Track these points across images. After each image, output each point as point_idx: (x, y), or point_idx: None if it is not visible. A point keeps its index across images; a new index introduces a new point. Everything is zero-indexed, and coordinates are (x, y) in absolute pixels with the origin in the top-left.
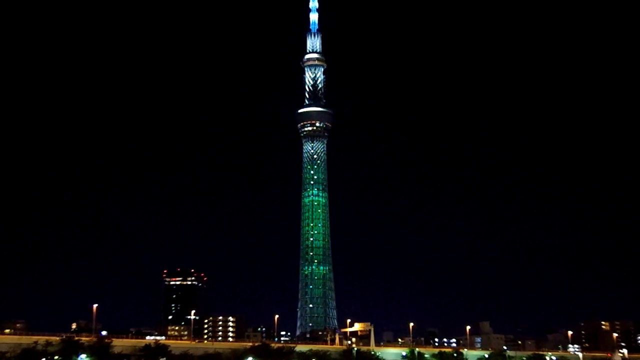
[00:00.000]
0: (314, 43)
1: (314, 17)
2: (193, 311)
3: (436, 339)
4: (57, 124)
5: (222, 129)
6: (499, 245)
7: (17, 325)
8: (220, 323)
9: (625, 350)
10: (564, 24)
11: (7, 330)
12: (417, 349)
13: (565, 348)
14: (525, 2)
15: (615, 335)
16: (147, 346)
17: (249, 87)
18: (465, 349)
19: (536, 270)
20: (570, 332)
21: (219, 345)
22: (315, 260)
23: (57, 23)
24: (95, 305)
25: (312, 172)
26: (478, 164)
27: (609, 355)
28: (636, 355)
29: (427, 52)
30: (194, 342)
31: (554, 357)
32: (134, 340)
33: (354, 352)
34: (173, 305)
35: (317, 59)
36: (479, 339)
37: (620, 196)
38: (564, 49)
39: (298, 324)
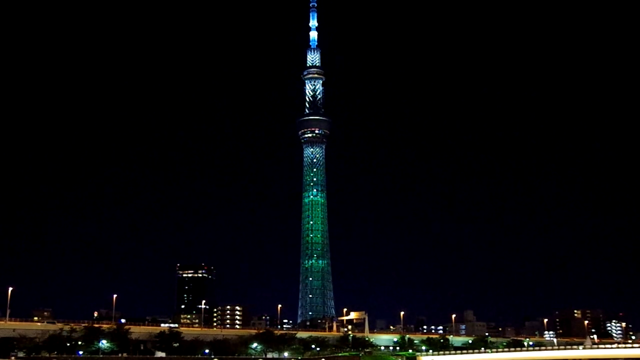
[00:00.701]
0: (313, 58)
1: (313, 34)
2: (203, 301)
3: (424, 326)
4: (81, 124)
5: (230, 136)
6: (483, 241)
7: (45, 313)
8: (228, 312)
9: (595, 336)
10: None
11: (36, 318)
12: (407, 336)
13: (542, 334)
14: (506, 27)
15: (586, 322)
16: (162, 333)
17: (255, 97)
18: (451, 335)
19: (515, 263)
20: (545, 320)
21: (226, 332)
22: (315, 255)
23: (72, 23)
24: (114, 296)
25: (311, 174)
26: (459, 165)
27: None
28: (605, 341)
29: (419, 65)
30: (204, 329)
31: (531, 343)
32: (150, 327)
33: (350, 338)
34: (185, 295)
35: (316, 72)
36: (463, 326)
37: (592, 195)
38: (557, 48)
39: (299, 312)
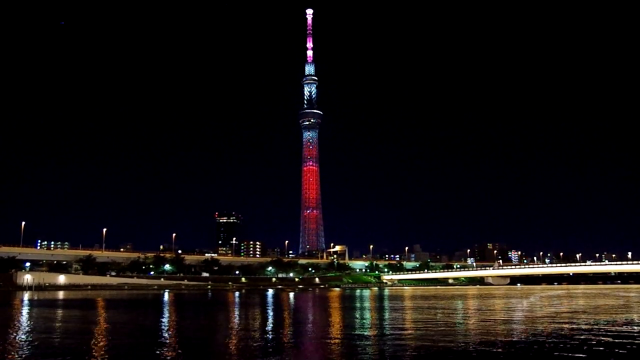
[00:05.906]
0: (310, 69)
1: (310, 53)
2: (234, 238)
3: (387, 255)
4: (139, 100)
5: (257, 125)
6: (426, 196)
7: (127, 246)
8: (251, 245)
9: (500, 261)
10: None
11: (122, 249)
12: (375, 262)
13: (466, 260)
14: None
15: (495, 251)
16: (206, 260)
17: (272, 97)
18: (405, 261)
19: (448, 210)
20: (468, 250)
21: (250, 260)
22: (311, 206)
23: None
24: (174, 234)
25: (308, 150)
26: (411, 153)
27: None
28: (507, 264)
29: (387, 73)
30: (234, 257)
31: (458, 266)
32: (197, 256)
33: (335, 263)
34: (222, 234)
35: (312, 79)
36: (413, 255)
37: (493, 163)
38: (543, 49)
39: (300, 246)
